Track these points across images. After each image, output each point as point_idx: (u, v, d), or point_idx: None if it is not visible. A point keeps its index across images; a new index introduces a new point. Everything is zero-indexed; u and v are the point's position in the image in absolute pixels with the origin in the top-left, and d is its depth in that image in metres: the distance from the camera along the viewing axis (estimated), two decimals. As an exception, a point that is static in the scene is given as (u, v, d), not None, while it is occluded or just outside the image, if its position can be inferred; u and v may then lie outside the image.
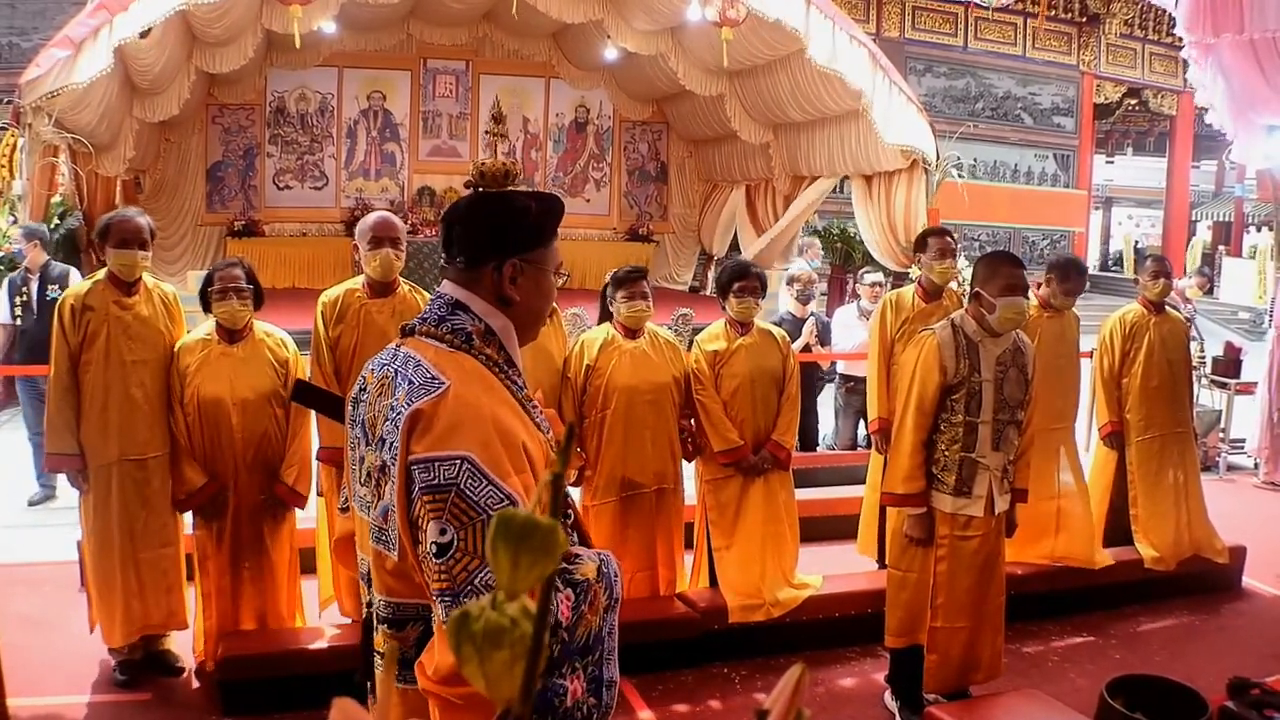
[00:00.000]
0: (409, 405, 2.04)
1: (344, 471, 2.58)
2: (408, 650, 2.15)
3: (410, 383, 2.08)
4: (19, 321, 7.75)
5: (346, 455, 2.38)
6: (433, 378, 2.07)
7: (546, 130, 18.78)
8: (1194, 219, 28.61)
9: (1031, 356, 4.75)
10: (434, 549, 1.95)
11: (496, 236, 2.22)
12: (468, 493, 1.95)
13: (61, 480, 5.93)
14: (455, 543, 1.94)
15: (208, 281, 4.93)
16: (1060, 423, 6.28)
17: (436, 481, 1.96)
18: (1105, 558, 6.32)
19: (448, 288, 2.25)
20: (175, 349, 4.97)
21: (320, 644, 4.96)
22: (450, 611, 1.93)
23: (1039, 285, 6.30)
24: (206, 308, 4.95)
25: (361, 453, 2.22)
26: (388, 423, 2.10)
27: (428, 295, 5.31)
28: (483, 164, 2.26)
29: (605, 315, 5.60)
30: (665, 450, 5.50)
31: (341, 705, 0.98)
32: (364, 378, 2.26)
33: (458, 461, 1.97)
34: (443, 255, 2.28)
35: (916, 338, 4.90)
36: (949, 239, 6.21)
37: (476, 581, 1.93)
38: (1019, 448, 4.76)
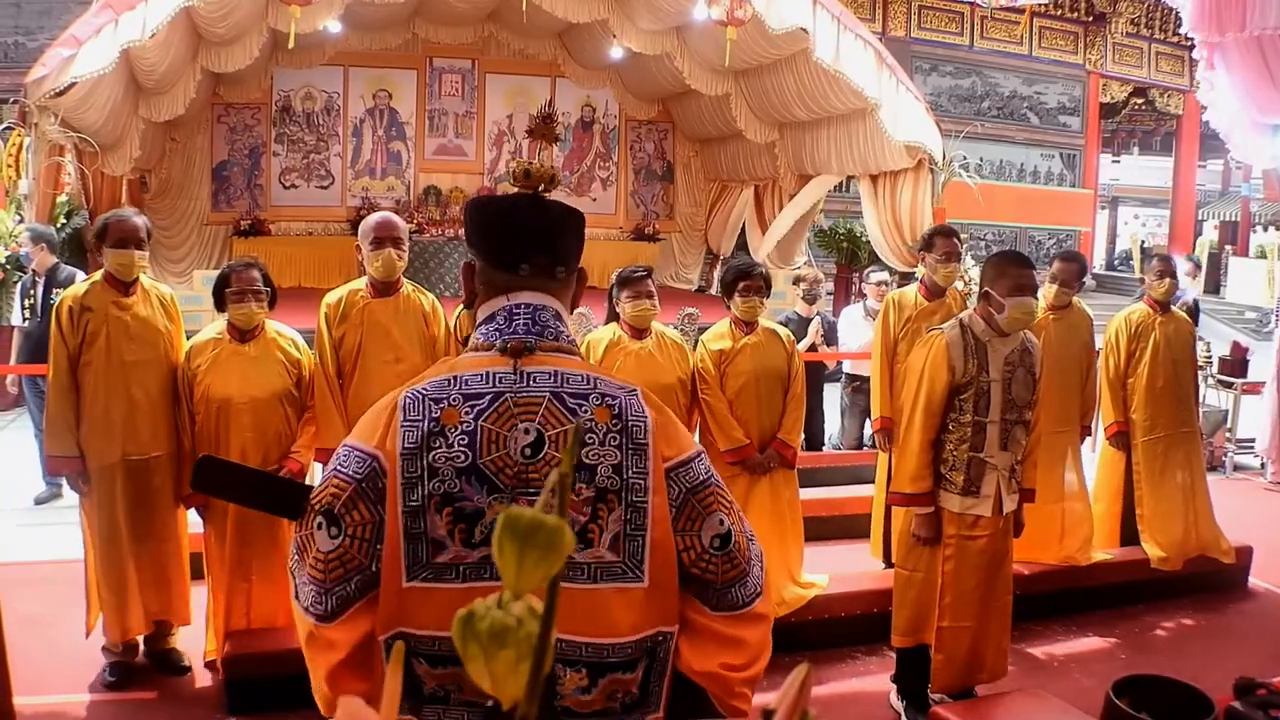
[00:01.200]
0: (641, 416, 2.00)
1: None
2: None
3: (606, 395, 2.00)
4: (27, 324, 7.77)
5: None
6: (621, 385, 2.04)
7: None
8: (1200, 218, 28.55)
9: (1039, 357, 4.75)
10: (716, 543, 2.00)
11: (581, 244, 2.22)
12: (718, 481, 2.07)
13: (68, 478, 5.95)
14: (732, 531, 2.03)
15: (224, 282, 4.92)
16: (1067, 426, 6.27)
17: (698, 479, 2.02)
18: (1093, 555, 6.34)
19: (538, 298, 2.09)
20: (185, 349, 4.98)
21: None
22: (749, 594, 2.05)
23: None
24: (220, 307, 4.95)
25: (481, 504, 1.94)
26: (616, 448, 1.98)
27: (430, 295, 5.32)
28: (530, 164, 2.16)
29: (612, 315, 5.60)
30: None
31: (347, 704, 0.98)
32: (530, 420, 1.97)
33: (700, 455, 2.06)
34: (523, 264, 2.08)
35: (924, 337, 4.90)
36: (956, 241, 6.20)
37: (751, 553, 2.06)
38: (1026, 448, 4.76)
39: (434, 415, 1.94)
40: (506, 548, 0.69)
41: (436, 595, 1.90)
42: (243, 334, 4.93)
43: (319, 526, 1.93)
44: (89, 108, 10.12)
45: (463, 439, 1.93)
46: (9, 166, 12.09)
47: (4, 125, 11.89)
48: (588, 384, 2.02)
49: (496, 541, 0.70)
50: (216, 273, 5.16)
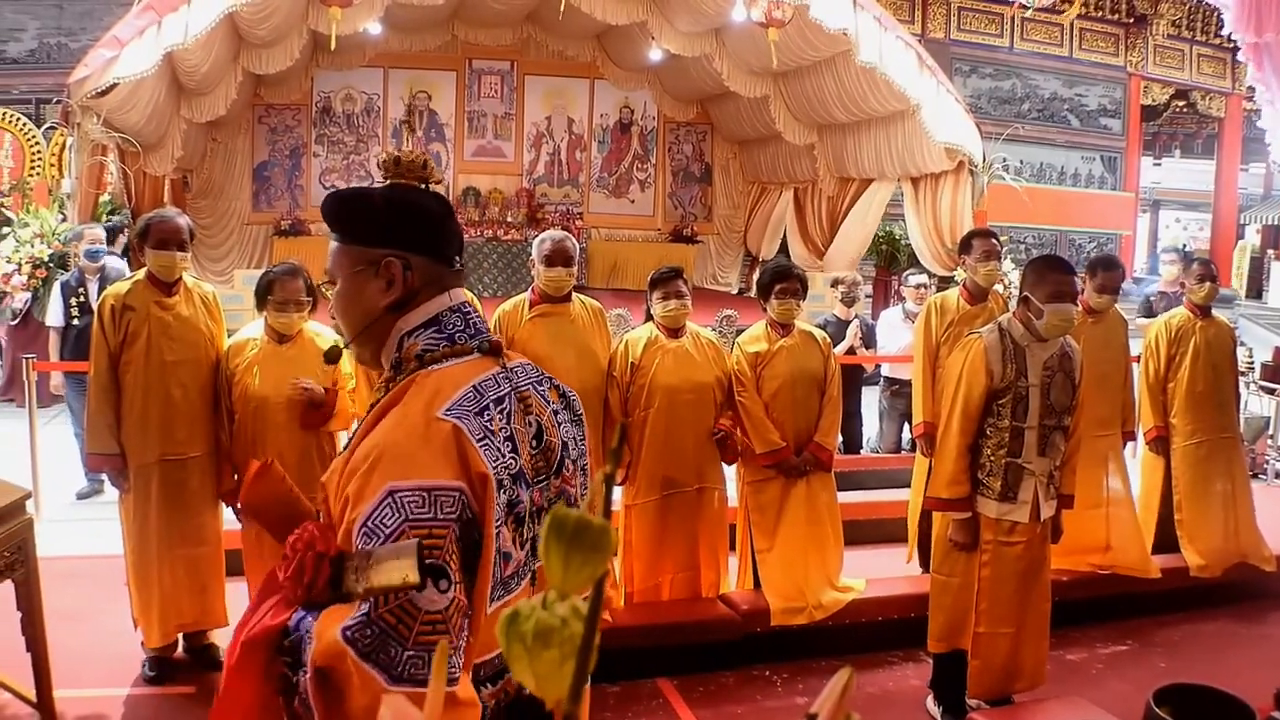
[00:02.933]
0: (571, 393, 2.23)
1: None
2: None
3: (549, 379, 2.19)
4: (75, 322, 7.81)
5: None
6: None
7: (591, 131, 18.78)
8: (1242, 222, 28.25)
9: (1079, 362, 4.71)
10: None
11: None
12: None
13: (109, 474, 6.00)
14: None
15: (267, 288, 4.94)
16: (1106, 430, 6.22)
17: None
18: (1155, 567, 6.26)
19: (465, 294, 2.15)
20: (224, 349, 5.01)
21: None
22: None
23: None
24: (262, 308, 4.99)
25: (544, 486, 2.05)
26: (570, 424, 2.17)
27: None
28: (400, 154, 2.12)
29: (650, 315, 5.61)
30: (707, 449, 5.50)
31: (392, 702, 0.98)
32: (524, 409, 2.04)
33: None
34: (456, 259, 2.12)
35: (963, 341, 4.88)
36: (994, 241, 6.17)
37: None
38: (1065, 454, 4.73)
39: (489, 428, 1.92)
40: (552, 549, 0.69)
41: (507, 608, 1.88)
42: (281, 336, 4.96)
43: (420, 588, 1.73)
44: (131, 108, 10.22)
45: (506, 444, 1.94)
46: (53, 166, 12.24)
47: (47, 125, 12.04)
48: (536, 370, 2.14)
49: (543, 542, 0.70)
50: (258, 273, 5.20)
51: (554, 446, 2.07)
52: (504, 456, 1.92)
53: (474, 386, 1.95)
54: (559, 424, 2.11)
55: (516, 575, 1.95)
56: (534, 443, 2.02)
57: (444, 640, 1.05)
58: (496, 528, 1.87)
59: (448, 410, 1.89)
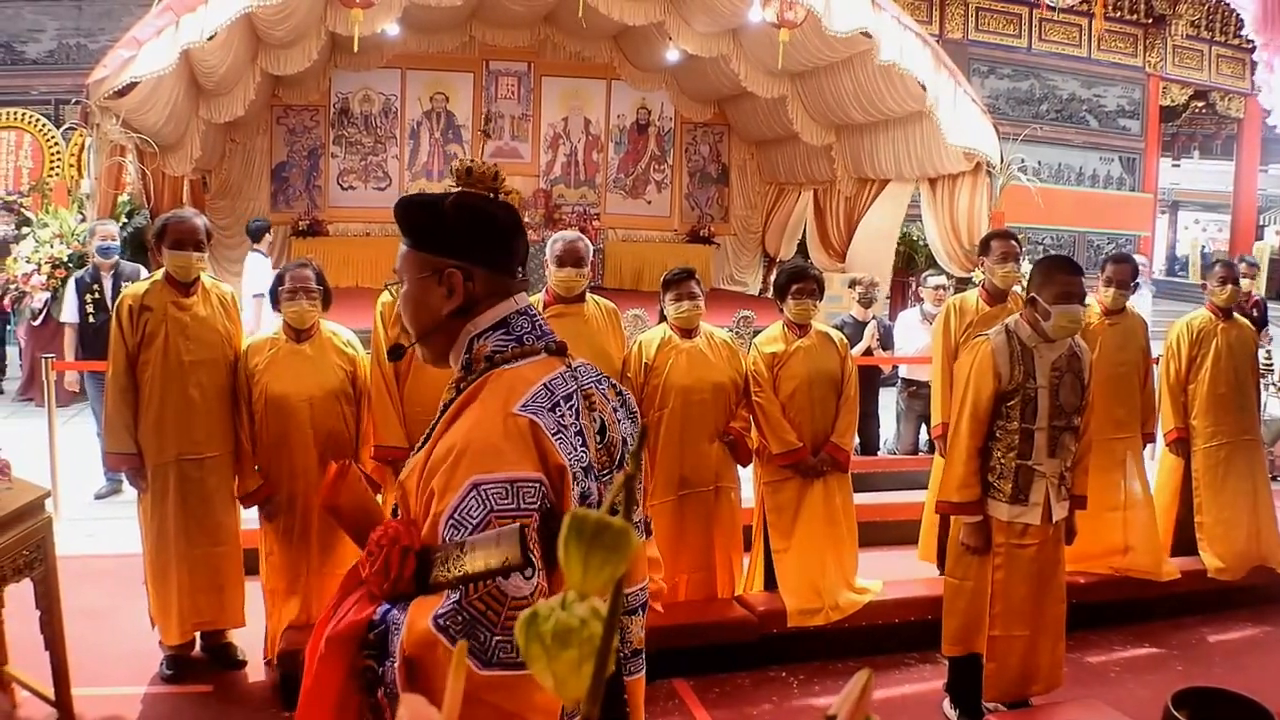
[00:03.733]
0: (626, 391, 2.34)
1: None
2: None
3: (606, 377, 2.28)
4: (91, 319, 7.84)
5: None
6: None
7: (608, 132, 18.78)
8: (1261, 224, 28.16)
9: (1088, 362, 4.70)
10: None
11: None
12: None
13: (128, 474, 6.02)
14: None
15: (278, 281, 4.99)
16: (1124, 432, 6.20)
17: None
18: (1172, 570, 6.24)
19: (527, 299, 2.24)
20: (242, 349, 5.03)
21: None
22: None
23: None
24: (275, 306, 5.01)
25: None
26: (626, 421, 2.25)
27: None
28: (472, 163, 2.18)
29: (664, 315, 5.61)
30: (722, 449, 5.49)
31: (410, 702, 0.98)
32: (589, 406, 2.14)
33: None
34: (520, 270, 2.24)
35: (971, 343, 4.87)
36: (1013, 243, 6.15)
37: None
38: (1076, 454, 4.71)
39: (562, 424, 2.01)
40: (572, 549, 0.69)
41: None
42: (299, 333, 4.98)
43: (521, 570, 1.83)
44: (150, 109, 10.25)
45: (577, 439, 2.03)
46: (71, 166, 12.29)
47: (66, 126, 12.08)
48: (596, 370, 2.24)
49: (562, 542, 0.70)
50: (274, 273, 5.22)
51: (615, 442, 2.17)
52: (576, 450, 2.01)
53: (545, 385, 2.03)
54: (618, 420, 2.21)
55: None
56: (599, 438, 2.11)
57: (463, 643, 1.05)
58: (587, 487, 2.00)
59: (523, 406, 1.98)
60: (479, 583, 1.84)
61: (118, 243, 8.30)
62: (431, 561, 1.91)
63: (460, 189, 2.15)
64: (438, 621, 1.83)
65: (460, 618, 1.83)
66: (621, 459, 2.19)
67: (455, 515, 1.89)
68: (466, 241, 2.11)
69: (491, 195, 2.15)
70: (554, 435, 1.97)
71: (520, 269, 2.20)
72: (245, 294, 9.88)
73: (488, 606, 1.84)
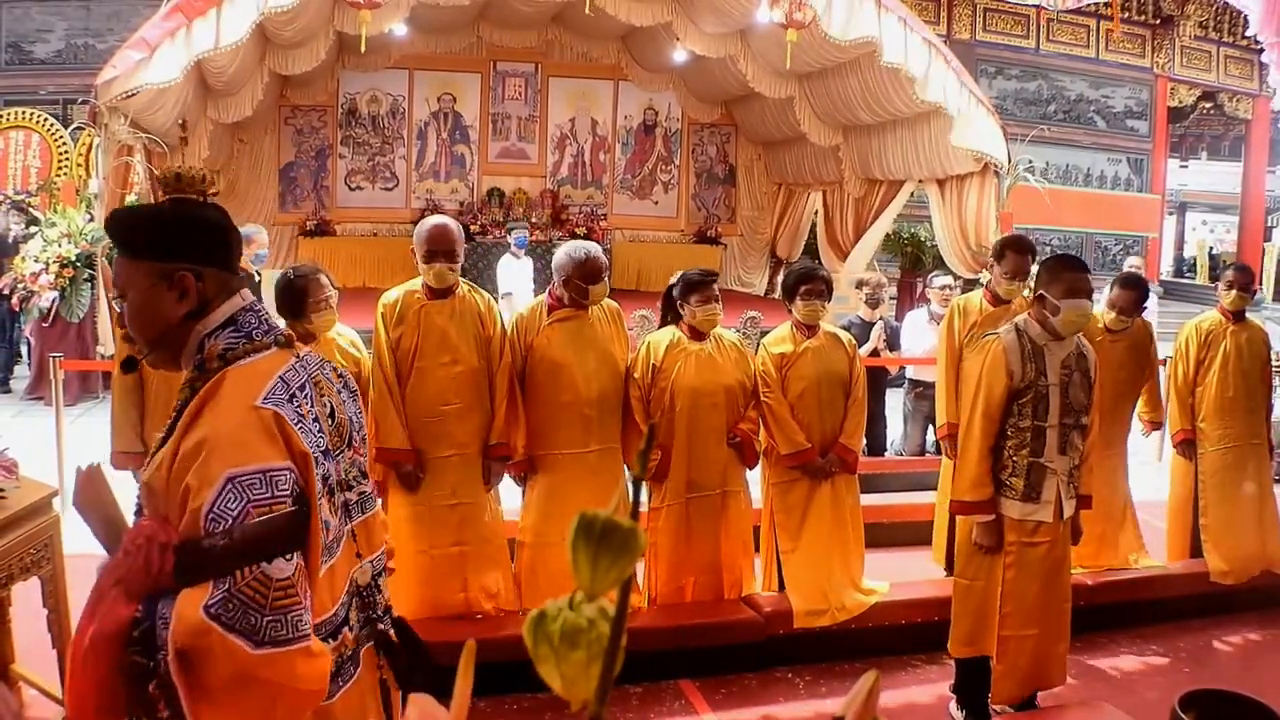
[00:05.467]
0: (345, 372, 2.49)
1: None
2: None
3: (327, 361, 2.43)
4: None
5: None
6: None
7: (615, 133, 18.81)
8: (1270, 225, 28.10)
9: (1094, 361, 4.70)
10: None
11: None
12: None
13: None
14: None
15: (302, 293, 4.90)
16: (1112, 450, 6.23)
17: None
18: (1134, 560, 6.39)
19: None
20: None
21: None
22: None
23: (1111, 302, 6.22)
24: (297, 315, 4.92)
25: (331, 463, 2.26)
26: (350, 400, 2.41)
27: (487, 295, 5.32)
28: (180, 169, 2.31)
29: (667, 317, 5.59)
30: (730, 452, 5.48)
31: (419, 702, 0.98)
32: (319, 393, 2.27)
33: None
34: (230, 268, 2.28)
35: (981, 343, 4.87)
36: (1028, 260, 6.04)
37: None
38: (1082, 453, 4.71)
39: (300, 413, 2.14)
40: (580, 550, 0.69)
41: (332, 570, 2.20)
42: (302, 336, 4.94)
43: (270, 561, 1.97)
44: (158, 109, 10.28)
45: (314, 425, 2.17)
46: (80, 166, 12.32)
47: (75, 125, 12.12)
48: (319, 357, 2.38)
49: (570, 544, 0.70)
50: (280, 272, 5.20)
51: (344, 422, 2.33)
52: (314, 437, 2.15)
53: (280, 378, 2.14)
54: (344, 401, 2.36)
55: (337, 540, 2.22)
56: (330, 420, 2.26)
57: (472, 643, 1.06)
58: (318, 500, 2.10)
59: (265, 400, 2.07)
60: (245, 569, 1.93)
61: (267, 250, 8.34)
62: (196, 553, 1.96)
63: (171, 195, 2.24)
64: (209, 610, 1.90)
65: (232, 605, 1.92)
66: (350, 438, 2.34)
67: (214, 509, 1.95)
68: (192, 244, 2.18)
69: (201, 199, 2.26)
70: (296, 425, 2.08)
71: (238, 265, 2.30)
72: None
73: (255, 591, 1.93)
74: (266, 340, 2.20)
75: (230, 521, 1.94)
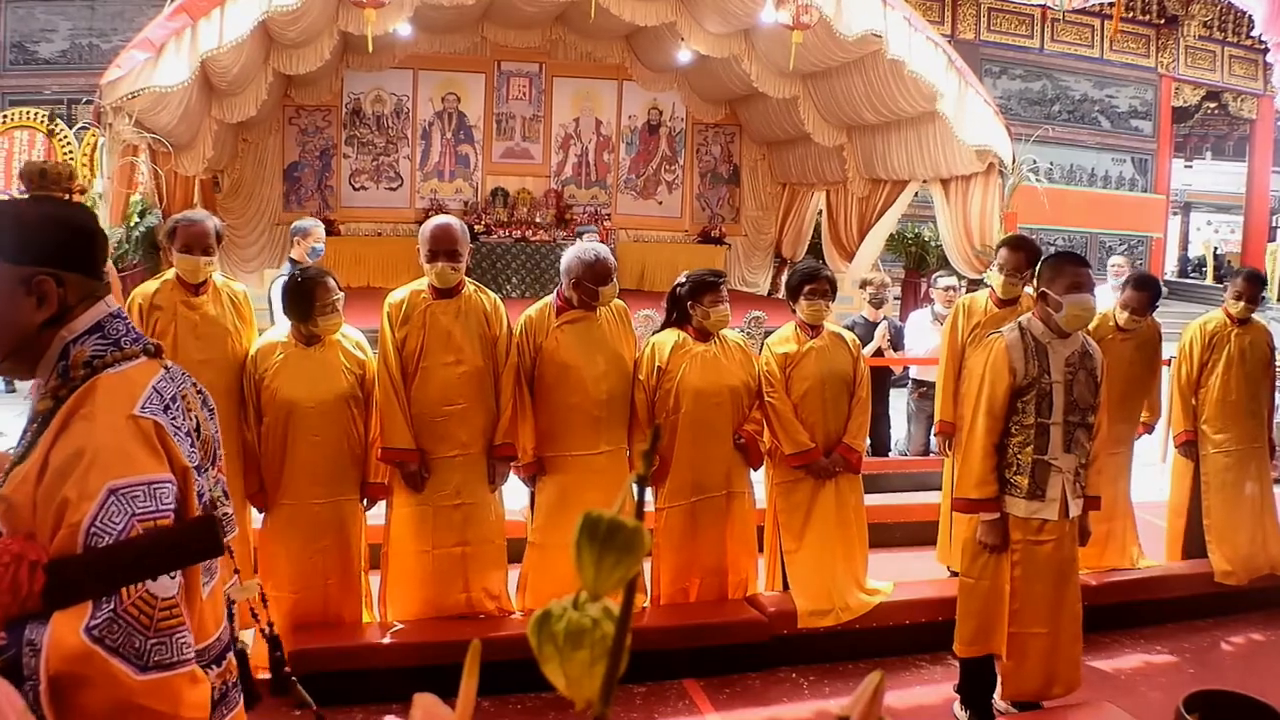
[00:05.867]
0: (202, 388, 2.30)
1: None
2: None
3: (189, 375, 2.26)
4: None
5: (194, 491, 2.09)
6: None
7: (619, 132, 18.80)
8: (1274, 224, 28.06)
9: (1100, 360, 4.69)
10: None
11: None
12: None
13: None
14: None
15: (310, 295, 4.84)
16: (1120, 447, 6.23)
17: None
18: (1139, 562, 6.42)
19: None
20: (250, 353, 5.01)
21: (387, 639, 4.99)
22: None
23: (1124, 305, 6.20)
24: (304, 318, 4.88)
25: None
26: (210, 419, 2.29)
27: (492, 294, 5.31)
28: (46, 164, 2.15)
29: (673, 318, 5.58)
30: (735, 454, 5.48)
31: (423, 702, 0.98)
32: (186, 408, 2.15)
33: None
34: (94, 273, 2.09)
35: (984, 341, 4.87)
36: (1024, 258, 5.99)
37: None
38: (1090, 453, 4.70)
39: (176, 425, 2.03)
40: (585, 550, 0.69)
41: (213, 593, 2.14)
42: (309, 338, 4.96)
43: (153, 578, 1.85)
44: (163, 109, 10.28)
45: (188, 439, 2.08)
46: (85, 166, 12.34)
47: (79, 125, 12.13)
48: (182, 371, 2.23)
49: (574, 544, 0.70)
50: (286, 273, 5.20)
51: (208, 439, 2.24)
52: (190, 450, 2.06)
53: (154, 388, 2.02)
54: (207, 419, 2.26)
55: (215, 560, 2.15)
56: (197, 435, 2.16)
57: (477, 643, 1.05)
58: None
59: (143, 409, 1.96)
60: (129, 588, 1.82)
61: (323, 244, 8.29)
62: (75, 571, 1.82)
63: (34, 192, 2.12)
64: (92, 633, 1.77)
65: (117, 626, 1.79)
66: (215, 454, 2.28)
67: (97, 523, 1.83)
68: (53, 247, 2.01)
69: (66, 196, 2.11)
70: (175, 436, 2.00)
71: (103, 269, 2.11)
72: None
73: (140, 611, 1.82)
74: (135, 349, 2.06)
75: (113, 536, 1.83)
